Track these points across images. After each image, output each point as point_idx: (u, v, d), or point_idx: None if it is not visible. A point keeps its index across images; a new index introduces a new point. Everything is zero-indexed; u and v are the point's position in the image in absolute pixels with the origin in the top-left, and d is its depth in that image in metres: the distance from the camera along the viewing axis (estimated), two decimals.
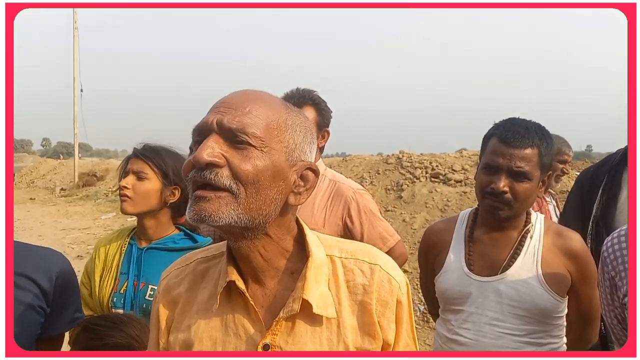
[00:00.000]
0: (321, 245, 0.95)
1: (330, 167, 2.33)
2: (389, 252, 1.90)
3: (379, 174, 9.93)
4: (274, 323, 0.89)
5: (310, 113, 2.09)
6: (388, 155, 10.73)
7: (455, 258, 1.65)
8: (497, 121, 1.66)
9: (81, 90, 19.52)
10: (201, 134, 0.88)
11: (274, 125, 0.88)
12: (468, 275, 1.60)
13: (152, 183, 1.76)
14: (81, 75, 19.59)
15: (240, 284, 0.91)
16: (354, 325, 0.91)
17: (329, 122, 2.20)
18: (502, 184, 1.53)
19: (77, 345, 1.39)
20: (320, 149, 2.21)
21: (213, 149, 0.84)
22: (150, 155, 1.77)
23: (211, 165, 0.84)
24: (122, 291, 1.73)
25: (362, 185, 2.51)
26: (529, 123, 1.60)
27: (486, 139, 1.64)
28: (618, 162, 2.15)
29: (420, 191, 8.82)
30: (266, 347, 0.89)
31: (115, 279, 1.78)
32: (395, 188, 9.25)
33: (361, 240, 2.01)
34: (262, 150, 0.86)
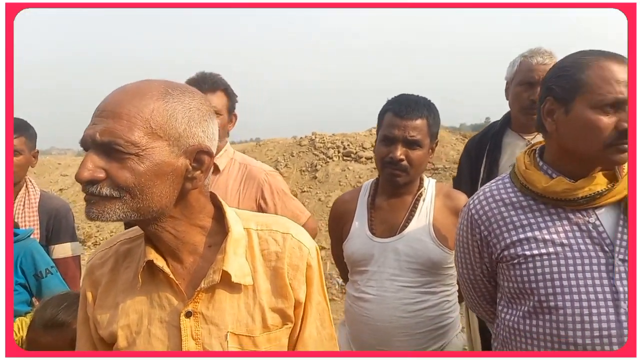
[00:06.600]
0: (239, 220, 1.04)
1: (244, 153, 2.36)
2: None
3: (293, 156, 10.03)
4: (196, 293, 0.98)
5: (222, 98, 2.11)
6: (301, 138, 10.86)
7: (359, 224, 1.80)
8: (389, 98, 1.81)
9: None
10: (84, 147, 0.93)
11: (151, 123, 0.89)
12: (371, 239, 1.75)
13: None
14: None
15: (159, 261, 0.98)
16: (268, 289, 1.01)
17: (235, 106, 2.24)
18: (399, 152, 1.70)
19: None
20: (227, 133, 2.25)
21: (88, 167, 0.89)
22: None
23: (91, 181, 0.90)
24: None
25: (277, 169, 2.58)
26: (418, 97, 1.77)
27: (382, 114, 1.79)
28: (499, 129, 2.39)
29: (334, 170, 9.06)
30: (188, 314, 0.98)
31: None
32: (309, 169, 9.41)
33: None
34: (138, 155, 0.89)
